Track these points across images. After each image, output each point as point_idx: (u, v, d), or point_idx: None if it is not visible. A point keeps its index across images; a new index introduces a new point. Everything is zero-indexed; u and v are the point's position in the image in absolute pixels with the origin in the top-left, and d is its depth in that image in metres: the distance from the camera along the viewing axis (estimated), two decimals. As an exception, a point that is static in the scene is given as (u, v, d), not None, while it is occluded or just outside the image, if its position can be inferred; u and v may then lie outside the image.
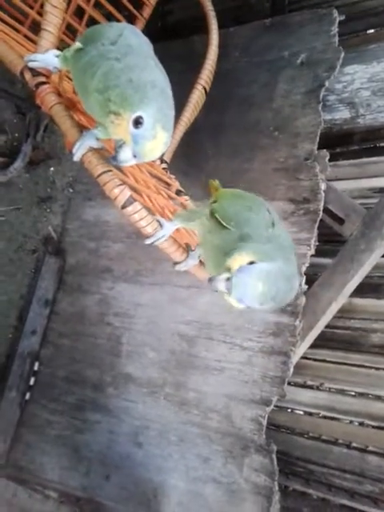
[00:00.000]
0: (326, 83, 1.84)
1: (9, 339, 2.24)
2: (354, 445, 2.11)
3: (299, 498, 2.09)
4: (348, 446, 2.11)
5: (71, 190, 2.41)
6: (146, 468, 1.84)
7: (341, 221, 1.84)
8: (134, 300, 2.06)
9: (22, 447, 2.12)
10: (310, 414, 2.23)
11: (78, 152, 0.94)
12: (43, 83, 1.03)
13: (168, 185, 1.44)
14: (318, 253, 1.76)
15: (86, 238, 2.28)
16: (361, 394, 2.16)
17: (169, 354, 1.92)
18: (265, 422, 1.68)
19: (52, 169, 2.39)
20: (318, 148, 1.80)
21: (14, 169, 2.15)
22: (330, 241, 2.08)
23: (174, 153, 1.64)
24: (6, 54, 1.11)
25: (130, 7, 1.85)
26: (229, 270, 0.80)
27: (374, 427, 2.11)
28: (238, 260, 0.80)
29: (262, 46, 2.03)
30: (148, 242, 0.99)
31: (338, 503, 2.03)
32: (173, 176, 1.53)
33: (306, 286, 1.72)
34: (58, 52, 1.05)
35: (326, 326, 1.87)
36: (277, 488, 1.62)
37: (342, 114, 2.06)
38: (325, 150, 1.79)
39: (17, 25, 1.51)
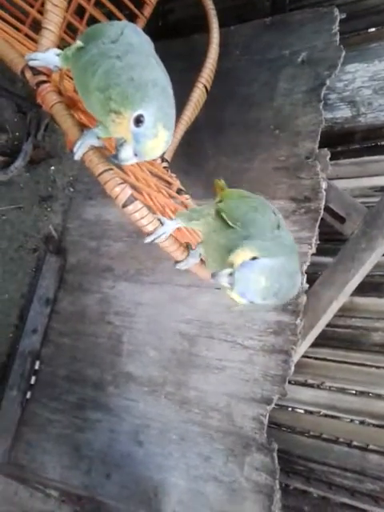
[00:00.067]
0: (327, 82, 1.83)
1: (10, 338, 2.24)
2: (354, 443, 2.11)
3: (300, 496, 2.09)
4: (349, 445, 2.11)
5: (72, 189, 2.41)
6: (146, 467, 1.84)
7: (342, 219, 1.84)
8: (134, 299, 2.06)
9: (23, 446, 2.12)
10: (311, 412, 2.24)
11: (79, 151, 0.94)
12: (44, 82, 1.03)
13: (169, 183, 1.44)
14: (319, 251, 1.76)
15: (86, 237, 2.28)
16: (361, 393, 2.16)
17: (169, 353, 1.92)
18: (266, 421, 1.68)
19: (53, 168, 2.39)
20: (319, 147, 1.80)
21: (15, 168, 2.15)
22: (331, 239, 2.08)
23: (174, 152, 1.64)
24: (6, 53, 1.11)
25: (131, 6, 1.85)
26: (231, 265, 0.80)
27: (374, 426, 2.11)
28: (241, 255, 0.80)
29: (262, 45, 2.03)
30: (148, 239, 0.99)
31: (339, 502, 2.03)
32: (174, 175, 1.53)
33: (307, 285, 1.72)
34: (58, 51, 1.05)
35: (327, 325, 1.88)
36: (278, 486, 1.62)
37: (343, 112, 2.06)
38: (326, 149, 1.79)
39: (18, 24, 1.51)
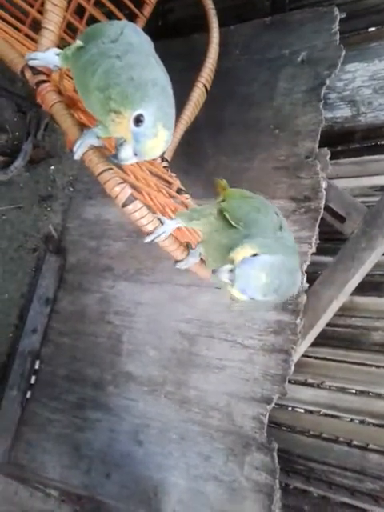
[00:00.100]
0: (327, 81, 1.83)
1: (9, 338, 2.24)
2: (354, 443, 2.11)
3: (300, 495, 2.09)
4: (349, 444, 2.11)
5: (72, 189, 2.41)
6: (146, 466, 1.84)
7: (342, 219, 1.84)
8: (134, 299, 2.06)
9: (23, 446, 2.12)
10: (311, 412, 2.24)
11: (79, 150, 0.94)
12: (44, 81, 1.03)
13: (169, 183, 1.44)
14: (319, 251, 1.76)
15: (86, 237, 2.28)
16: (361, 392, 2.16)
17: (169, 353, 1.92)
18: (266, 420, 1.68)
19: (52, 167, 2.39)
20: (319, 146, 1.80)
21: (15, 168, 2.15)
22: (331, 239, 2.08)
23: (174, 151, 1.64)
24: (6, 53, 1.11)
25: (131, 5, 1.85)
26: (232, 262, 0.81)
27: (374, 425, 2.11)
28: (242, 252, 0.80)
29: (262, 44, 2.03)
30: (148, 239, 0.99)
31: (339, 501, 2.03)
32: (173, 174, 1.53)
33: (307, 284, 1.72)
34: (58, 50, 1.05)
35: (327, 324, 1.88)
36: (278, 486, 1.62)
37: (343, 112, 2.06)
38: (326, 148, 1.79)
39: (17, 23, 1.51)
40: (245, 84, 2.03)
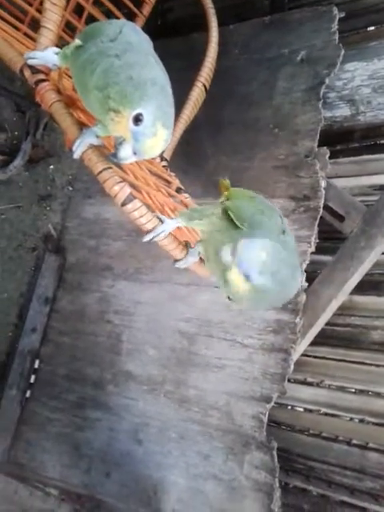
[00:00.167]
0: (326, 80, 1.83)
1: (9, 337, 2.24)
2: (354, 442, 2.11)
3: (300, 494, 2.09)
4: (348, 443, 2.11)
5: (71, 188, 2.41)
6: (146, 465, 1.85)
7: (341, 218, 1.84)
8: (133, 298, 2.06)
9: (22, 445, 2.12)
10: (311, 411, 2.24)
11: (78, 149, 0.94)
12: (43, 81, 1.03)
13: (168, 182, 1.44)
14: (318, 250, 1.77)
15: (85, 236, 2.28)
16: (361, 391, 2.16)
17: (169, 352, 1.92)
18: (265, 419, 1.69)
19: (52, 167, 2.39)
20: (318, 145, 1.80)
21: (14, 167, 2.15)
22: (330, 238, 2.08)
23: (173, 150, 1.64)
24: (5, 52, 1.11)
25: (130, 5, 1.85)
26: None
27: (374, 424, 2.11)
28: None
29: (261, 44, 2.03)
30: (147, 237, 0.99)
31: (339, 500, 2.03)
32: (173, 173, 1.53)
33: (307, 284, 1.72)
34: (57, 49, 1.05)
35: (327, 324, 1.88)
36: (277, 485, 1.62)
37: (343, 111, 2.06)
38: (325, 148, 1.79)
39: (16, 22, 1.51)
40: (244, 83, 2.03)
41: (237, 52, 2.08)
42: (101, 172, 0.92)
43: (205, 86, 1.67)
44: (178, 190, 1.44)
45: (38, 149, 2.31)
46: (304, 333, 1.79)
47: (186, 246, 1.10)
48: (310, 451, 2.15)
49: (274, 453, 1.64)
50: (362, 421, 2.12)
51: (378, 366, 2.12)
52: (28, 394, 2.17)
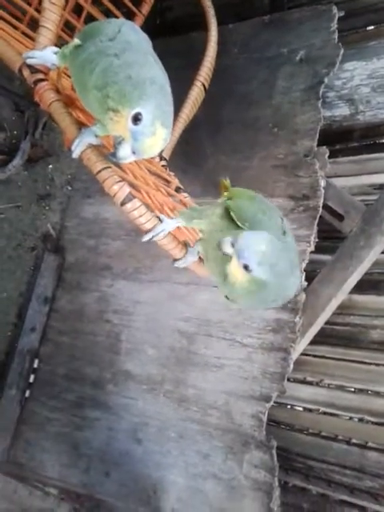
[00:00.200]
0: (326, 80, 1.83)
1: (8, 336, 2.24)
2: (353, 441, 2.11)
3: (299, 493, 2.09)
4: (348, 442, 2.11)
5: (70, 188, 2.40)
6: (145, 464, 1.85)
7: (340, 217, 1.85)
8: (133, 297, 2.06)
9: (22, 444, 2.12)
10: (310, 410, 2.24)
11: (77, 149, 0.94)
12: (42, 80, 1.03)
13: (167, 182, 1.44)
14: (318, 249, 1.77)
15: (85, 236, 2.28)
16: (360, 390, 2.16)
17: (168, 351, 1.92)
18: (265, 418, 1.69)
19: (51, 166, 2.38)
20: (318, 145, 1.80)
21: (13, 166, 2.15)
22: (330, 237, 2.08)
23: (173, 150, 1.64)
24: (4, 51, 1.11)
25: (129, 4, 1.85)
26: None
27: (373, 423, 2.11)
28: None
29: (261, 43, 2.02)
30: (147, 237, 0.99)
31: (338, 499, 2.03)
32: (172, 173, 1.53)
33: (306, 283, 1.72)
34: (56, 49, 1.05)
35: (326, 323, 1.88)
36: (277, 484, 1.62)
37: (342, 110, 2.06)
38: (324, 147, 1.79)
39: (15, 22, 1.51)
40: (243, 82, 2.02)
41: (236, 51, 2.08)
42: (100, 171, 0.92)
43: (204, 86, 1.67)
44: (178, 190, 1.44)
45: (36, 148, 2.31)
46: (303, 332, 1.79)
47: (185, 245, 1.10)
48: (309, 450, 2.15)
49: (274, 452, 1.64)
50: (361, 420, 2.13)
51: (377, 365, 2.12)
52: (27, 393, 2.17)
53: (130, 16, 1.87)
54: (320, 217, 1.75)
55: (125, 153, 0.83)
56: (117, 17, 1.74)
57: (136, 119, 0.79)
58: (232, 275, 0.83)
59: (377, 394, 2.12)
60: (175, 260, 1.10)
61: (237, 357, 1.79)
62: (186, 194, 1.44)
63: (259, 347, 1.75)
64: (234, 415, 1.74)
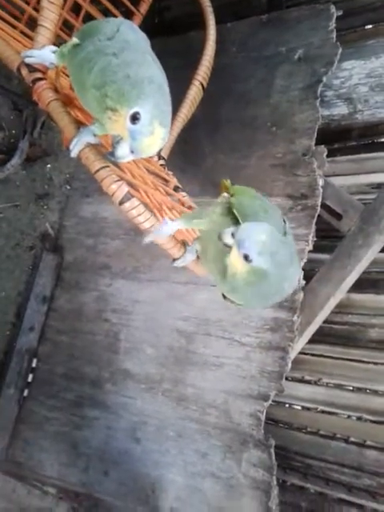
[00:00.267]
0: (324, 79, 1.83)
1: (6, 336, 2.24)
2: (351, 439, 2.12)
3: (297, 492, 2.10)
4: (346, 441, 2.12)
5: (68, 187, 2.40)
6: (144, 463, 1.85)
7: (339, 216, 1.85)
8: (131, 297, 2.06)
9: (20, 444, 2.12)
10: (308, 408, 2.24)
11: (76, 148, 0.94)
12: (40, 79, 1.03)
13: (166, 181, 1.44)
14: (316, 248, 1.77)
15: (83, 235, 2.28)
16: (359, 389, 2.17)
17: (167, 350, 1.92)
18: (263, 417, 1.69)
19: (49, 165, 2.38)
20: (316, 144, 1.80)
21: (11, 166, 2.14)
22: (328, 236, 2.08)
23: (171, 149, 1.64)
24: (2, 50, 1.11)
25: (127, 3, 1.85)
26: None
27: (371, 422, 2.12)
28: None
29: (259, 42, 2.03)
30: (147, 239, 0.99)
31: (336, 497, 2.04)
32: (170, 172, 1.53)
33: (304, 282, 1.73)
34: (54, 48, 1.05)
35: (324, 322, 1.88)
36: (275, 482, 1.62)
37: (340, 109, 2.06)
38: (322, 146, 1.79)
39: (13, 21, 1.51)
40: (241, 81, 2.02)
41: (234, 50, 2.08)
42: (98, 171, 0.92)
43: (202, 85, 1.67)
44: (176, 189, 1.44)
45: (35, 147, 2.30)
46: (302, 331, 1.79)
47: (184, 244, 1.10)
48: (307, 449, 2.16)
49: (272, 451, 1.64)
50: (359, 418, 2.13)
51: (375, 363, 2.13)
52: (26, 392, 2.17)
53: (128, 15, 1.87)
54: (318, 216, 1.75)
55: (123, 152, 0.83)
56: (115, 16, 1.73)
57: (134, 118, 0.79)
58: (232, 266, 0.83)
59: (375, 392, 2.13)
60: (174, 259, 1.10)
61: (235, 356, 1.79)
62: (184, 193, 1.44)
63: (257, 346, 1.75)
64: (232, 414, 1.74)
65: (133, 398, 1.94)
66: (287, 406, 2.29)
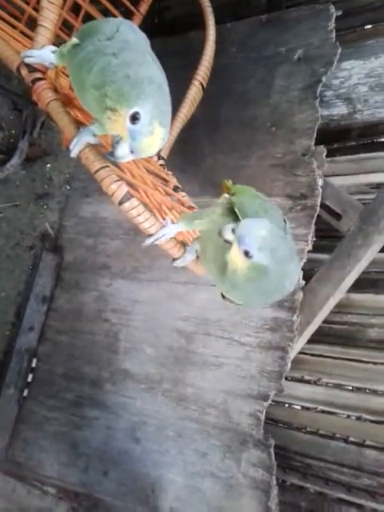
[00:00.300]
0: (323, 79, 1.84)
1: (6, 336, 2.24)
2: (351, 439, 2.12)
3: (297, 492, 2.10)
4: (345, 441, 2.12)
5: (68, 187, 2.40)
6: (143, 463, 1.85)
7: (338, 216, 1.85)
8: (131, 297, 2.06)
9: (20, 444, 2.12)
10: (308, 408, 2.24)
11: (75, 148, 0.94)
12: (40, 79, 1.03)
13: (165, 181, 1.44)
14: (316, 248, 1.77)
15: (83, 235, 2.28)
16: (358, 389, 2.17)
17: (166, 350, 1.92)
18: (263, 417, 1.69)
19: (49, 165, 2.38)
20: (316, 144, 1.80)
21: (11, 166, 2.14)
22: (328, 236, 2.08)
23: (171, 149, 1.64)
24: (2, 50, 1.11)
25: (127, 3, 1.85)
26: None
27: (371, 421, 2.12)
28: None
29: (258, 42, 2.03)
30: (148, 241, 0.99)
31: (336, 497, 2.04)
32: (170, 172, 1.53)
33: (304, 282, 1.73)
34: (54, 48, 1.05)
35: (324, 321, 1.88)
36: (275, 482, 1.62)
37: (340, 109, 2.06)
38: (322, 146, 1.79)
39: (13, 21, 1.51)
40: (241, 82, 2.03)
41: (234, 50, 2.08)
42: (98, 171, 0.92)
43: (202, 85, 1.67)
44: (176, 189, 1.44)
45: (35, 147, 2.30)
46: (301, 331, 1.80)
47: (183, 244, 1.10)
48: (307, 449, 2.16)
49: (272, 450, 1.65)
50: (359, 418, 2.14)
51: (375, 363, 2.13)
52: (25, 392, 2.17)
53: (128, 15, 1.87)
54: (318, 216, 1.75)
55: (123, 152, 0.83)
56: (115, 16, 1.74)
57: (134, 118, 0.79)
58: (232, 262, 0.82)
59: (374, 392, 2.13)
60: (174, 259, 1.10)
61: (235, 356, 1.79)
62: (183, 193, 1.44)
63: (257, 346, 1.75)
64: (232, 414, 1.74)
65: (132, 398, 1.94)
66: (287, 405, 2.29)
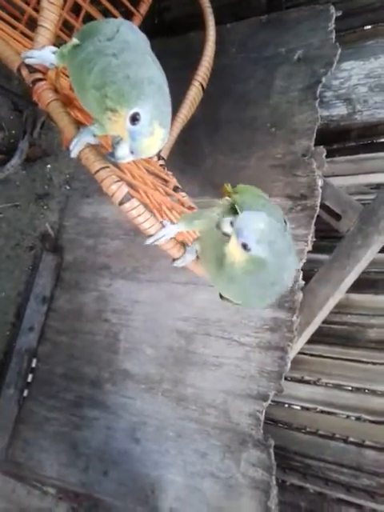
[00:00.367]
0: (323, 79, 1.84)
1: (6, 336, 2.24)
2: (350, 439, 2.12)
3: (296, 492, 2.10)
4: (345, 441, 2.12)
5: (68, 187, 2.40)
6: (143, 464, 1.85)
7: (338, 217, 1.85)
8: (131, 297, 2.06)
9: (20, 444, 2.12)
10: (308, 408, 2.24)
11: (75, 148, 0.94)
12: (40, 80, 1.03)
13: (165, 181, 1.45)
14: (315, 249, 1.77)
15: (83, 235, 2.28)
16: (358, 389, 2.17)
17: (166, 351, 1.93)
18: (262, 417, 1.69)
19: (49, 166, 2.38)
20: (315, 144, 1.80)
21: (11, 166, 2.15)
22: (327, 237, 2.08)
23: (171, 150, 1.64)
24: (2, 51, 1.11)
25: (127, 3, 1.85)
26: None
27: (370, 422, 2.12)
28: None
29: (258, 43, 2.03)
30: (148, 242, 1.00)
31: (335, 497, 2.04)
32: (170, 172, 1.53)
33: (303, 282, 1.73)
34: (54, 48, 1.05)
35: (323, 322, 1.88)
36: (274, 482, 1.62)
37: (339, 110, 2.06)
38: (322, 147, 1.79)
39: (13, 21, 1.51)
40: (241, 82, 2.03)
41: (234, 51, 2.08)
42: (98, 171, 0.92)
43: (202, 85, 1.67)
44: (176, 189, 1.45)
45: (35, 148, 2.31)
46: (301, 331, 1.80)
47: (183, 244, 1.10)
48: (306, 449, 2.16)
49: (271, 451, 1.65)
50: (358, 418, 2.14)
51: (374, 363, 2.13)
52: (25, 393, 2.17)
53: (128, 16, 1.87)
54: (317, 216, 1.75)
55: (123, 152, 0.83)
56: (115, 16, 1.74)
57: (134, 119, 0.79)
58: (230, 255, 0.82)
59: (374, 392, 2.13)
60: (174, 259, 1.10)
61: (235, 356, 1.79)
62: (183, 194, 1.44)
63: (257, 346, 1.75)
64: (231, 414, 1.74)
65: (132, 399, 1.94)
66: (286, 405, 2.29)
